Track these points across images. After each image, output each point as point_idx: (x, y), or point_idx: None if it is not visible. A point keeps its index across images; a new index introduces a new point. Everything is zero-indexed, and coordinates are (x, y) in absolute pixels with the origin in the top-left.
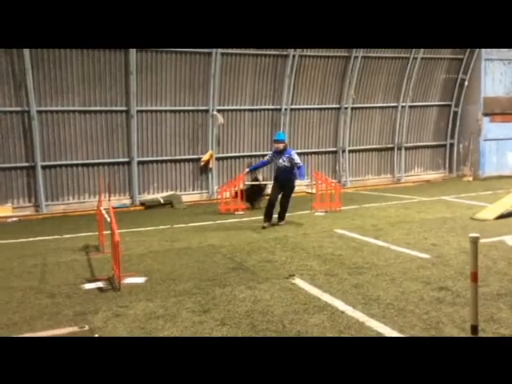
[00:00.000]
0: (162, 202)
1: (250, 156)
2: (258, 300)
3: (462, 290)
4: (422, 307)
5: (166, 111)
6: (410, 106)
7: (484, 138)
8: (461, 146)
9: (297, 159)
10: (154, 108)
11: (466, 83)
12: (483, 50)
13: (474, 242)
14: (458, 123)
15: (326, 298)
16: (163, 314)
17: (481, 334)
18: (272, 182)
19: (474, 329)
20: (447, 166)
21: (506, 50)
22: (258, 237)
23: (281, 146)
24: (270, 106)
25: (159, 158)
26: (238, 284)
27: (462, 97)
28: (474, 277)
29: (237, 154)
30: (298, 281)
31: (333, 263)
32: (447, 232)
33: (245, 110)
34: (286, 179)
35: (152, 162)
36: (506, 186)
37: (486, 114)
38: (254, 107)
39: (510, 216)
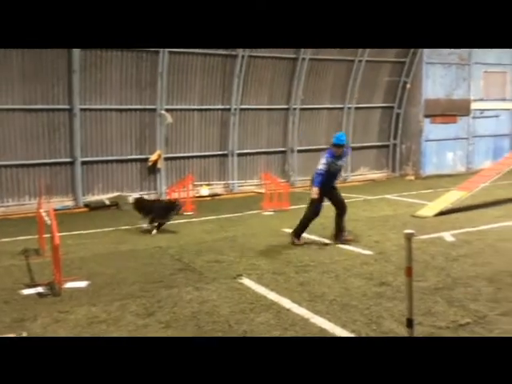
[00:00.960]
0: (107, 203)
1: (200, 156)
2: (204, 301)
3: (401, 284)
4: (365, 302)
5: (111, 110)
6: (356, 108)
7: (425, 139)
8: (403, 146)
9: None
10: (98, 107)
11: (409, 86)
12: (424, 53)
13: (409, 238)
14: (400, 124)
15: (273, 296)
16: (106, 319)
17: (418, 328)
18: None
19: (410, 322)
20: (391, 165)
21: (447, 53)
22: (208, 237)
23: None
24: (220, 106)
25: (105, 158)
26: (184, 285)
27: (405, 99)
28: (409, 272)
29: (186, 155)
30: (245, 280)
31: (280, 262)
32: (389, 229)
33: (194, 109)
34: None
35: (97, 162)
36: (445, 184)
37: (427, 116)
38: (203, 107)
39: (449, 213)
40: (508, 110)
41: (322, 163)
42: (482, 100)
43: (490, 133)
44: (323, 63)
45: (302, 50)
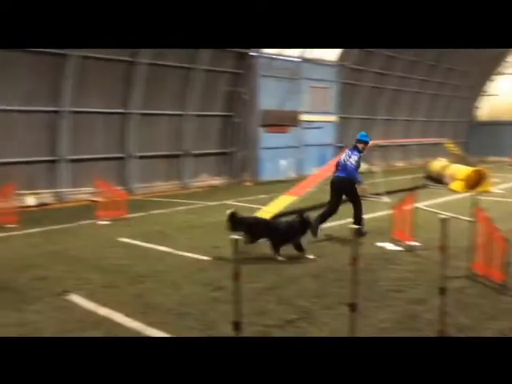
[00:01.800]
0: None
1: (24, 162)
2: (25, 323)
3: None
4: (201, 308)
5: None
6: (196, 115)
7: (261, 147)
8: (241, 153)
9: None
10: None
11: (245, 96)
12: (259, 66)
13: (235, 242)
14: (238, 133)
15: (104, 311)
16: None
17: (249, 328)
18: None
19: (237, 325)
20: (230, 172)
21: (278, 68)
22: (32, 252)
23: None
24: (48, 108)
25: None
26: (1, 308)
27: (242, 109)
28: (236, 276)
29: (6, 160)
30: (73, 297)
31: (114, 274)
32: (227, 234)
33: (18, 110)
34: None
35: None
36: (279, 189)
37: (262, 125)
38: (29, 108)
39: (282, 216)
40: (331, 122)
41: (355, 160)
42: (309, 113)
43: (317, 142)
44: (162, 69)
45: (140, 53)
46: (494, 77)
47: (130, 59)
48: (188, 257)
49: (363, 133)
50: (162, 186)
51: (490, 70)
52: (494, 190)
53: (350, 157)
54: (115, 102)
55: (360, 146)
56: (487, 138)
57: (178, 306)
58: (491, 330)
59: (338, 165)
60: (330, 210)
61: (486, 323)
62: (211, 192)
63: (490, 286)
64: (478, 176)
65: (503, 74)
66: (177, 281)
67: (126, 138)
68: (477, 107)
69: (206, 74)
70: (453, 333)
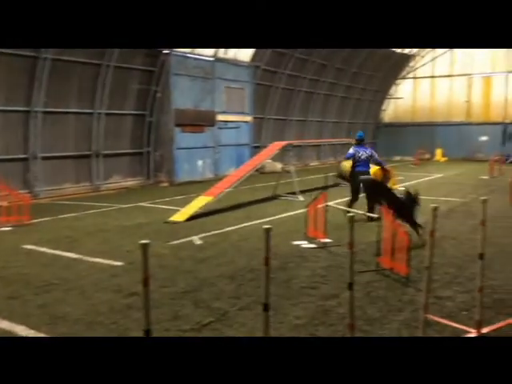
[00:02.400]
0: None
1: None
2: None
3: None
4: (112, 317)
5: None
6: (107, 114)
7: (177, 147)
8: (156, 153)
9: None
10: None
11: (159, 95)
12: (172, 65)
13: (144, 247)
14: (153, 132)
15: (5, 325)
16: None
17: (164, 334)
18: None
19: (147, 333)
20: (145, 172)
21: (192, 66)
22: None
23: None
24: None
25: None
26: None
27: (156, 107)
28: (146, 282)
29: None
30: None
31: (17, 284)
32: (142, 237)
33: None
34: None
35: None
36: (196, 190)
37: (177, 125)
38: None
39: (199, 217)
40: (247, 122)
41: (373, 152)
42: (224, 112)
43: (233, 142)
44: (68, 65)
45: (43, 49)
46: (398, 81)
47: (33, 54)
48: (98, 263)
49: (361, 132)
50: (71, 188)
51: (393, 75)
52: (398, 187)
53: (369, 152)
54: (17, 99)
55: (363, 143)
56: (393, 138)
57: (86, 315)
58: (397, 321)
59: (356, 161)
60: (353, 198)
61: (392, 315)
62: (125, 194)
63: (395, 279)
64: (383, 174)
65: (406, 78)
66: (86, 289)
67: (30, 138)
68: (383, 109)
69: (116, 71)
70: (362, 325)
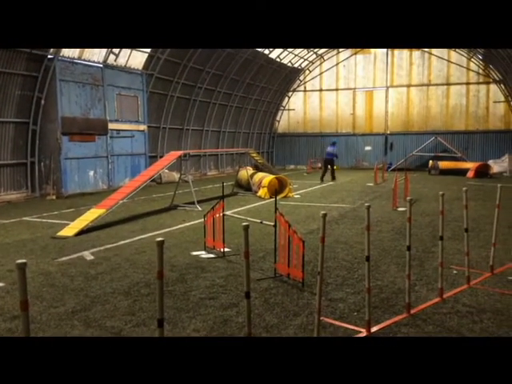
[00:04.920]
0: None
1: None
2: None
3: (37, 314)
4: None
5: None
6: None
7: (65, 157)
8: (42, 164)
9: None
10: None
11: (43, 102)
12: (57, 70)
13: (22, 268)
14: (37, 141)
15: None
16: None
17: None
18: None
19: None
20: (30, 185)
21: (79, 72)
22: None
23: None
24: None
25: None
26: None
27: (40, 115)
28: (25, 305)
29: None
30: None
31: None
32: (26, 255)
33: None
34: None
35: None
36: (88, 202)
37: (65, 134)
38: None
39: (91, 231)
40: (142, 131)
41: (333, 149)
42: (117, 121)
43: (127, 152)
44: None
45: None
46: (289, 93)
47: None
48: None
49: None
50: None
51: (285, 87)
52: (293, 195)
53: (330, 149)
54: None
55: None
56: (287, 148)
57: None
58: (293, 326)
59: (326, 153)
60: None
61: (289, 320)
62: (6, 208)
63: (291, 285)
64: (279, 183)
65: (297, 90)
66: None
67: None
68: (277, 120)
69: None
70: (261, 333)
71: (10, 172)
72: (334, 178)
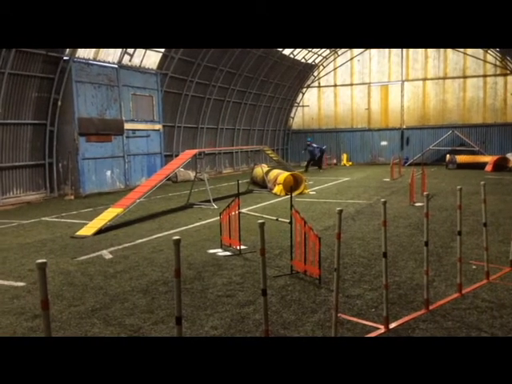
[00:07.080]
0: None
1: None
2: None
3: (58, 313)
4: None
5: None
6: (2, 124)
7: (82, 157)
8: (60, 165)
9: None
10: None
11: (60, 103)
12: (73, 72)
13: (42, 268)
14: (55, 142)
15: None
16: None
17: None
18: None
19: None
20: (48, 185)
21: (95, 73)
22: None
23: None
24: None
25: None
26: None
27: (57, 116)
28: (45, 304)
29: None
30: None
31: None
32: (46, 255)
33: None
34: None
35: None
36: (105, 202)
37: (81, 134)
38: None
39: (109, 230)
40: (157, 130)
41: (315, 147)
42: (133, 121)
43: (143, 151)
44: None
45: None
46: (304, 89)
47: None
48: None
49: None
50: None
51: (299, 83)
52: (309, 192)
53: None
54: None
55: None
56: (301, 144)
57: None
58: (311, 323)
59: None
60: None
61: (306, 317)
62: (25, 209)
63: (308, 281)
64: (294, 180)
65: (311, 86)
66: None
67: None
68: (291, 117)
69: (10, 78)
70: (278, 330)
71: (29, 173)
72: (306, 171)
